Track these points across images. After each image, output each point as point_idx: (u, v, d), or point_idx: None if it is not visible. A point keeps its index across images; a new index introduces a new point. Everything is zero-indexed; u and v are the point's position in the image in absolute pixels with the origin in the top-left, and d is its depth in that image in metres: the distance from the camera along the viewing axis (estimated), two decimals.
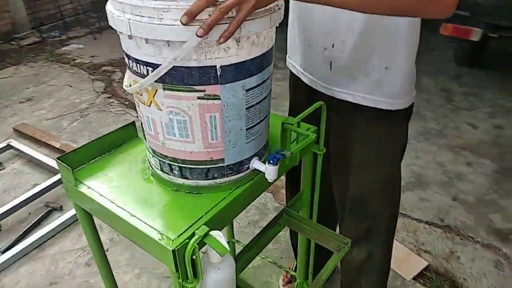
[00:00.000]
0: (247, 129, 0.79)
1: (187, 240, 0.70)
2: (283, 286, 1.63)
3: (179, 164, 0.80)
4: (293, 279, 1.62)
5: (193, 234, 0.71)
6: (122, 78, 3.76)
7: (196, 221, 0.76)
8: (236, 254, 1.01)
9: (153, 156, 0.84)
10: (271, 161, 0.80)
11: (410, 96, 1.07)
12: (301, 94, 1.19)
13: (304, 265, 1.40)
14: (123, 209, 0.79)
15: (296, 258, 1.63)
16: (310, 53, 1.08)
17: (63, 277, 1.75)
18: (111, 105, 3.27)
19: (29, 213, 2.10)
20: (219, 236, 0.72)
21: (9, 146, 2.54)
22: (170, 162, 0.81)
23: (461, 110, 3.06)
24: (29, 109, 3.19)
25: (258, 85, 0.77)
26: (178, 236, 0.72)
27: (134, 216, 0.77)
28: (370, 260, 1.26)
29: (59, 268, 1.80)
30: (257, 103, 0.79)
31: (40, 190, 2.12)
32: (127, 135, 1.00)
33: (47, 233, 1.91)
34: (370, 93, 1.02)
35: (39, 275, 1.76)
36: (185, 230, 0.73)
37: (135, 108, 3.37)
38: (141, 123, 0.83)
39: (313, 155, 1.07)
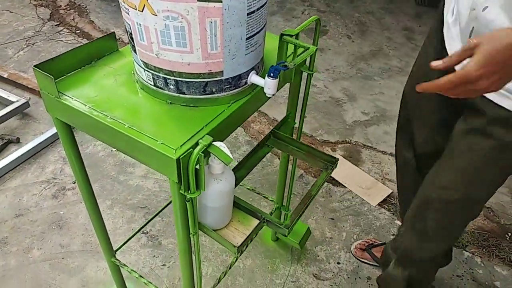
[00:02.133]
0: (247, 39, 0.75)
1: (191, 149, 0.68)
2: None
3: (175, 78, 0.76)
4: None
5: (196, 144, 0.70)
6: (69, 5, 3.42)
7: (196, 133, 0.73)
8: None
9: (145, 70, 0.78)
10: (272, 74, 0.77)
11: None
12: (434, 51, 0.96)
13: (282, 190, 1.44)
14: (116, 120, 0.74)
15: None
16: (459, 4, 0.83)
17: (29, 209, 1.68)
18: (61, 34, 2.99)
19: None
20: (223, 146, 0.71)
21: None
22: (165, 76, 0.76)
23: None
24: None
25: None
26: (181, 146, 0.70)
27: (131, 127, 0.73)
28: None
29: (24, 201, 1.72)
30: (257, 9, 0.74)
31: None
32: (107, 47, 0.92)
33: (5, 165, 1.80)
34: None
35: (2, 208, 1.68)
36: (187, 140, 0.71)
37: (88, 37, 3.10)
38: (130, 33, 0.76)
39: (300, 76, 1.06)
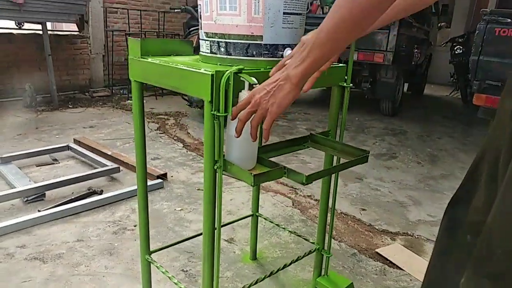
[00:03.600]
0: (284, 13, 0.97)
1: (224, 72, 0.86)
2: None
3: (226, 40, 0.99)
4: None
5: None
6: (175, 124, 4.13)
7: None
8: (262, 144, 1.10)
9: (205, 40, 1.03)
10: None
11: None
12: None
13: (322, 233, 1.41)
14: (175, 65, 0.97)
15: None
16: None
17: (90, 238, 1.82)
18: (161, 138, 3.57)
19: (72, 193, 2.26)
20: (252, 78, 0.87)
21: (67, 147, 2.83)
22: (219, 40, 0.99)
23: None
24: (90, 132, 3.57)
25: None
26: (216, 72, 0.87)
27: (185, 68, 0.94)
28: None
29: (88, 231, 1.88)
30: None
31: (85, 175, 2.31)
32: (185, 49, 1.21)
33: (84, 204, 2.04)
34: None
35: (69, 233, 1.85)
36: (224, 71, 0.89)
37: (182, 142, 3.76)
38: (199, 12, 1.03)
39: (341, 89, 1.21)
